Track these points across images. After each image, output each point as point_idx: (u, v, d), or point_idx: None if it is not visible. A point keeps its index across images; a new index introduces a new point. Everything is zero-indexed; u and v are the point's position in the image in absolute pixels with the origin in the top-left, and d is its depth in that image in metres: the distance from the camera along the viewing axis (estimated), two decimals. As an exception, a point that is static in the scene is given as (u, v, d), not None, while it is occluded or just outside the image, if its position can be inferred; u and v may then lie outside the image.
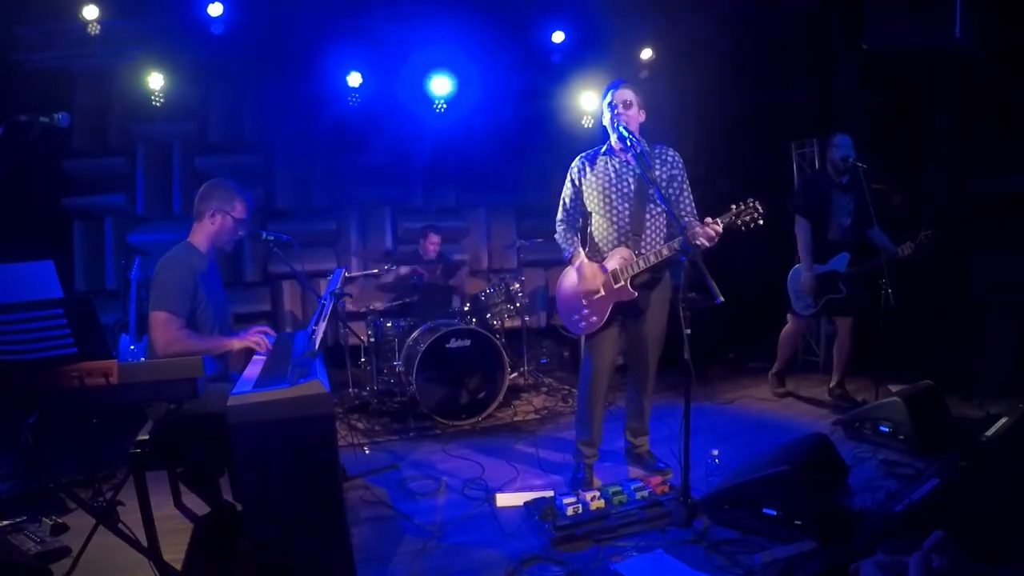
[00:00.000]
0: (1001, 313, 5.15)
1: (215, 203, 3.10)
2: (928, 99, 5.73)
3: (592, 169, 3.58)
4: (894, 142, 5.90)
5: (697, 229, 3.24)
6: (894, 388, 4.56)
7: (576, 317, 3.59)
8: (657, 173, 3.51)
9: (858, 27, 5.57)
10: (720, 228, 3.20)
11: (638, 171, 3.49)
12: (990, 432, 3.41)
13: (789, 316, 5.25)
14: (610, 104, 3.49)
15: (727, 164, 6.95)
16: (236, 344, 3.03)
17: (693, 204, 3.62)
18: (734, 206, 3.23)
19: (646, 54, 6.93)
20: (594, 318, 3.52)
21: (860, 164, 4.70)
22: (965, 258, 5.45)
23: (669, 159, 3.57)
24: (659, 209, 3.52)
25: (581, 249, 3.62)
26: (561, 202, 3.71)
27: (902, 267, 4.65)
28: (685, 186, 3.61)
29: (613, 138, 3.52)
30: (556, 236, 3.73)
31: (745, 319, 5.92)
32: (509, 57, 6.60)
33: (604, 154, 3.60)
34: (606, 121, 3.54)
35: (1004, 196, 5.15)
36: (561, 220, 3.71)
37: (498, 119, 6.72)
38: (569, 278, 3.64)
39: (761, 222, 3.19)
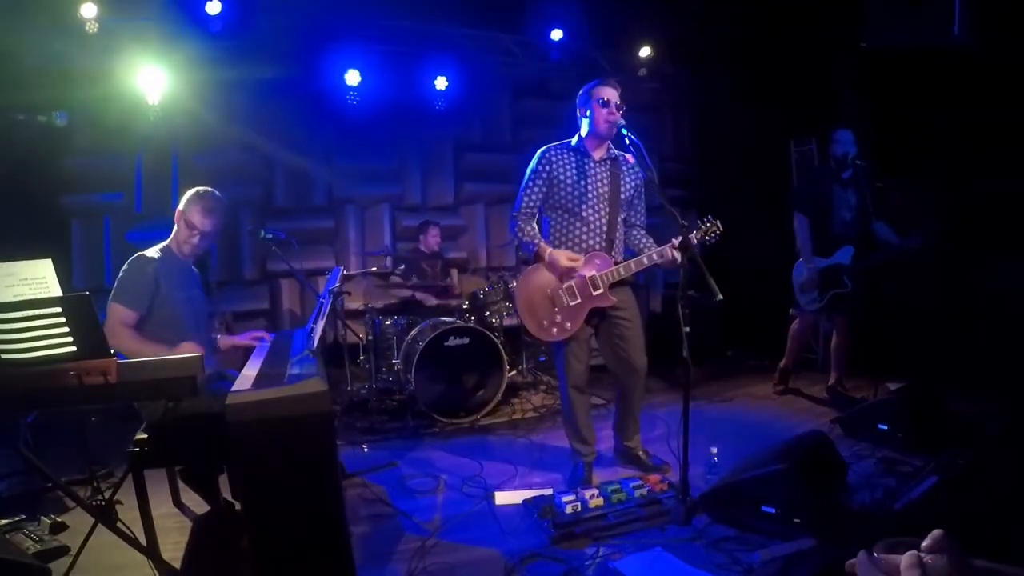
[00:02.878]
0: (1000, 311, 5.15)
1: (179, 207, 3.12)
2: (927, 97, 5.72)
3: (565, 164, 3.48)
4: (893, 140, 5.90)
5: (666, 249, 3.34)
6: (892, 386, 4.57)
7: (546, 323, 3.43)
8: (628, 180, 3.57)
9: (857, 25, 5.57)
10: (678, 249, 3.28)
11: (632, 171, 3.55)
12: (989, 430, 3.42)
13: (795, 312, 5.22)
14: (602, 101, 3.40)
15: (726, 162, 6.97)
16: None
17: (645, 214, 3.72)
18: (700, 222, 3.36)
19: (645, 51, 6.93)
20: (568, 324, 3.43)
21: (859, 162, 4.72)
22: (964, 256, 5.45)
23: (635, 166, 3.59)
24: (622, 216, 3.57)
25: (544, 242, 3.48)
26: (524, 194, 3.51)
27: (907, 263, 4.64)
28: (643, 195, 3.69)
29: (593, 134, 3.47)
30: (516, 230, 3.51)
31: (744, 317, 5.92)
32: (508, 54, 6.60)
33: (576, 150, 3.51)
34: (588, 118, 3.47)
35: (1004, 195, 5.15)
36: (521, 213, 3.51)
37: (497, 116, 6.72)
38: (535, 279, 3.48)
39: (717, 238, 3.35)
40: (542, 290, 3.45)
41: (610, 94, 3.41)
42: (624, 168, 3.56)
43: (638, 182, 3.60)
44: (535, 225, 3.54)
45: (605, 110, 3.40)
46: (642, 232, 3.67)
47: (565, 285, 3.41)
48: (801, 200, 5.02)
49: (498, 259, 7.15)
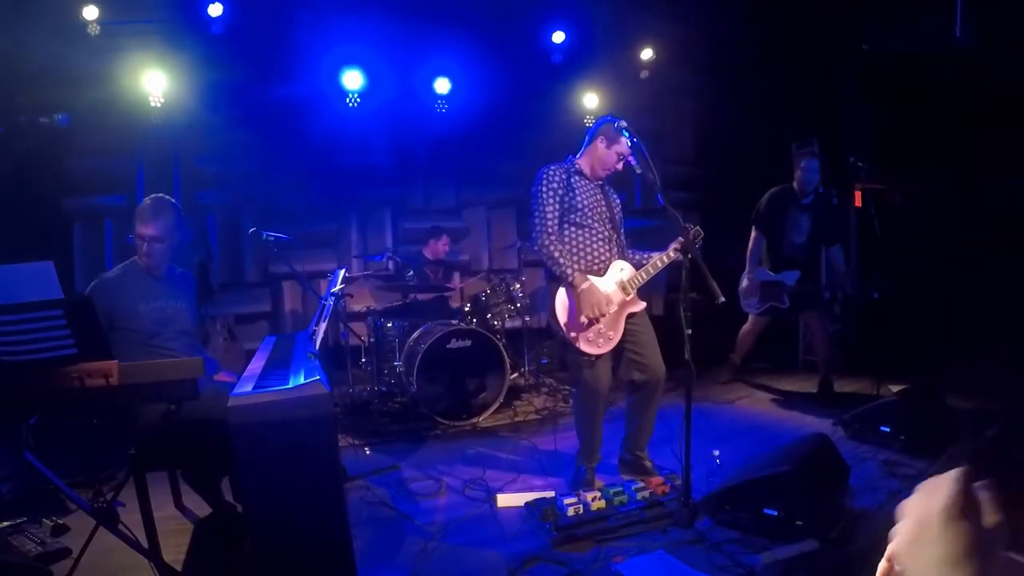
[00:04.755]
0: (1000, 312, 5.15)
1: None
2: (929, 98, 5.73)
3: (574, 185, 3.54)
4: (894, 141, 5.91)
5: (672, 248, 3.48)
6: (895, 388, 4.57)
7: (592, 335, 3.41)
8: (616, 201, 3.73)
9: (859, 27, 5.58)
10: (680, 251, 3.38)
11: (614, 194, 3.74)
12: (991, 431, 3.41)
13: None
14: (619, 155, 3.51)
15: (727, 164, 6.96)
16: None
17: None
18: (687, 227, 3.37)
19: (646, 54, 6.93)
20: (611, 333, 3.44)
21: (822, 190, 5.05)
22: (966, 256, 5.46)
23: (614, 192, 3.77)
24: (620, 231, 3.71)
25: (579, 273, 3.42)
26: (543, 215, 3.46)
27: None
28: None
29: (594, 169, 3.59)
30: (546, 253, 3.45)
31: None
32: (510, 57, 6.60)
33: (578, 173, 3.59)
34: (598, 155, 3.56)
35: (1005, 195, 5.16)
36: (550, 235, 3.46)
37: (499, 119, 6.72)
38: (572, 297, 3.44)
39: (702, 241, 3.45)
40: (581, 304, 3.40)
41: (626, 150, 3.51)
42: (609, 190, 3.73)
43: (620, 204, 3.79)
44: (564, 248, 3.51)
45: (620, 164, 3.54)
46: (628, 251, 3.76)
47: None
48: (759, 219, 5.17)
49: (500, 261, 7.16)
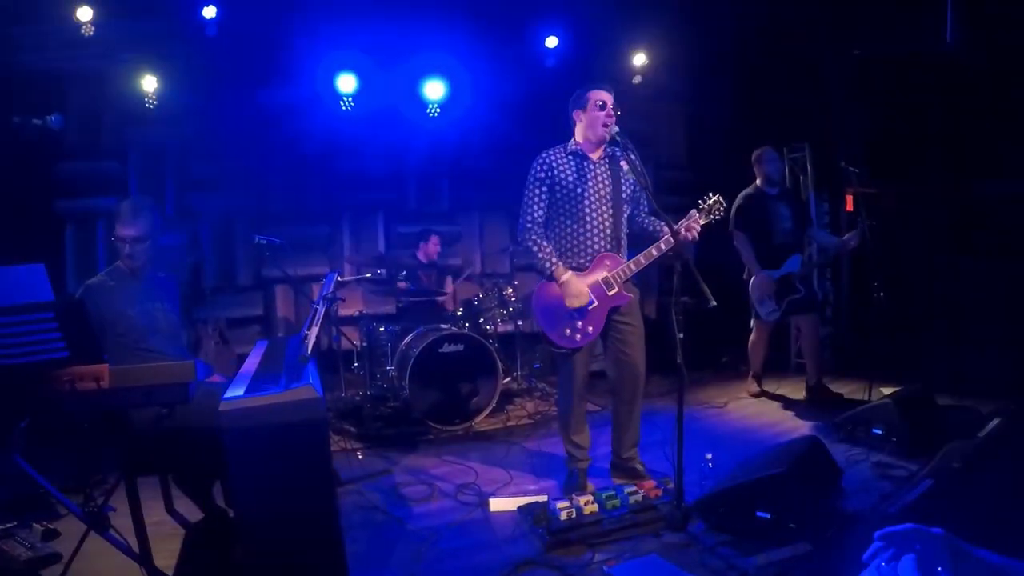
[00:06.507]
0: (993, 313, 5.18)
1: None
2: (920, 103, 5.76)
3: (565, 168, 3.49)
4: (887, 146, 5.94)
5: (681, 228, 3.30)
6: (886, 390, 4.58)
7: (568, 331, 3.42)
8: (628, 176, 3.59)
9: (850, 32, 5.61)
10: (701, 223, 3.37)
11: (624, 173, 3.57)
12: (983, 432, 3.42)
13: (753, 323, 5.41)
14: (600, 104, 3.43)
15: (719, 167, 6.97)
16: None
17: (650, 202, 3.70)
18: (701, 202, 3.43)
19: (640, 59, 6.96)
20: (590, 328, 3.43)
21: (787, 186, 5.31)
22: (957, 259, 5.49)
23: (634, 161, 3.57)
24: (626, 214, 3.59)
25: (561, 264, 3.44)
26: (529, 205, 3.51)
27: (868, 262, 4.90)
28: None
29: (591, 138, 3.50)
30: (527, 244, 3.51)
31: (739, 322, 5.94)
32: (503, 62, 6.60)
33: (574, 154, 3.53)
34: (584, 121, 3.50)
35: (995, 198, 5.19)
36: (530, 226, 3.49)
37: (492, 123, 6.73)
38: (551, 290, 3.46)
39: (722, 213, 3.46)
40: (560, 299, 3.41)
41: (606, 97, 3.45)
42: (620, 162, 3.59)
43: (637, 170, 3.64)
44: (547, 239, 3.51)
45: (602, 113, 3.42)
46: (651, 219, 3.66)
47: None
48: (740, 220, 5.17)
49: (492, 265, 7.15)
